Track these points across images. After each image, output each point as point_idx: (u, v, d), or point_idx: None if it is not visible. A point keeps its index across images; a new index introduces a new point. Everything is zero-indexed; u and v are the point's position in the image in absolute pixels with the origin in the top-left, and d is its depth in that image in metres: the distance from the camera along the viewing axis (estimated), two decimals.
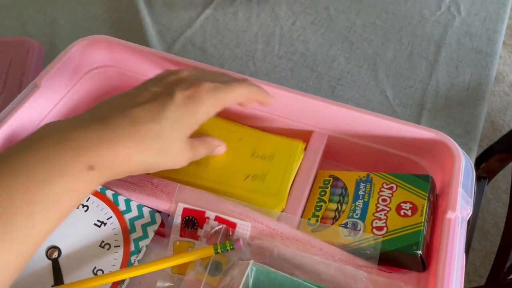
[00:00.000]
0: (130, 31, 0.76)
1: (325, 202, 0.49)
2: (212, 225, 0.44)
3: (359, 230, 0.45)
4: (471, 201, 0.45)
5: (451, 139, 0.48)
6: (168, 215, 0.45)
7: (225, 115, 0.54)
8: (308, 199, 0.49)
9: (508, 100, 1.48)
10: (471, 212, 0.45)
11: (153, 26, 0.77)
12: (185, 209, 0.44)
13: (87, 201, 0.44)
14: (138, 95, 0.39)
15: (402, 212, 0.45)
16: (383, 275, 0.42)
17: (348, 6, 0.84)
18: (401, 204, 0.45)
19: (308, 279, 0.41)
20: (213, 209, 0.44)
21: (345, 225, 0.46)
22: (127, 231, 0.44)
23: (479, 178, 1.00)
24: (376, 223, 0.45)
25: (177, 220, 0.44)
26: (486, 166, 0.98)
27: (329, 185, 0.50)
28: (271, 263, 0.42)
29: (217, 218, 0.44)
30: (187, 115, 0.39)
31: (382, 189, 0.47)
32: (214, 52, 0.75)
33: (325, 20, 0.81)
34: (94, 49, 0.55)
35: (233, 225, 0.43)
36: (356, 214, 0.46)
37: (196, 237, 0.44)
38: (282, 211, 0.46)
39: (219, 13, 0.81)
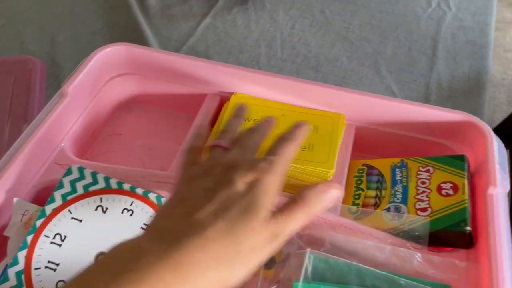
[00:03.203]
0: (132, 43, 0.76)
1: (363, 190, 0.49)
2: None
3: (403, 213, 0.45)
4: (507, 177, 0.46)
5: (480, 119, 0.49)
6: None
7: None
8: (344, 190, 0.49)
9: None
10: (509, 187, 0.46)
11: (154, 37, 0.77)
12: None
13: (131, 205, 0.43)
14: (196, 200, 0.34)
15: (444, 192, 0.45)
16: (436, 254, 0.42)
17: (343, 8, 0.85)
18: (442, 185, 0.46)
19: (364, 264, 0.40)
20: None
21: (388, 210, 0.46)
22: None
23: None
24: (419, 205, 0.45)
25: None
26: None
27: (364, 174, 0.50)
28: (325, 251, 0.41)
29: None
30: (257, 198, 0.33)
31: (419, 172, 0.48)
32: (219, 59, 0.75)
33: (322, 23, 0.82)
34: (115, 56, 0.54)
35: None
36: (397, 199, 0.47)
37: None
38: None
39: (218, 21, 0.81)
